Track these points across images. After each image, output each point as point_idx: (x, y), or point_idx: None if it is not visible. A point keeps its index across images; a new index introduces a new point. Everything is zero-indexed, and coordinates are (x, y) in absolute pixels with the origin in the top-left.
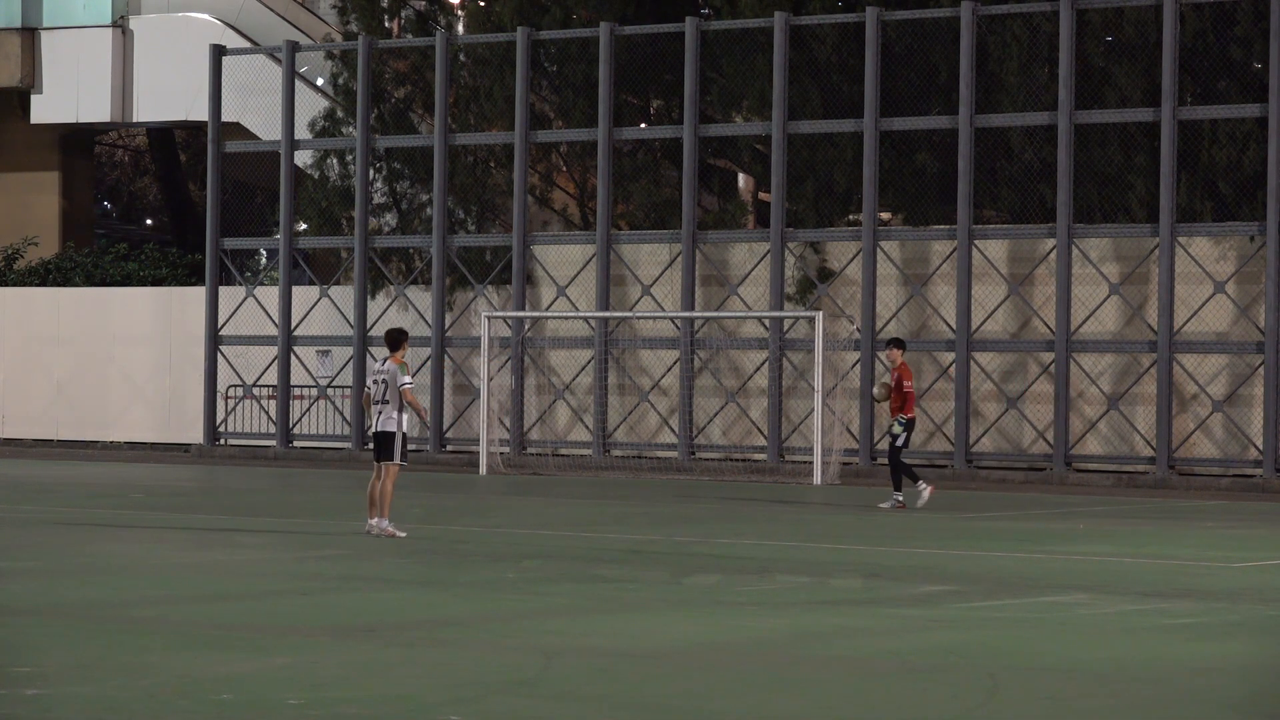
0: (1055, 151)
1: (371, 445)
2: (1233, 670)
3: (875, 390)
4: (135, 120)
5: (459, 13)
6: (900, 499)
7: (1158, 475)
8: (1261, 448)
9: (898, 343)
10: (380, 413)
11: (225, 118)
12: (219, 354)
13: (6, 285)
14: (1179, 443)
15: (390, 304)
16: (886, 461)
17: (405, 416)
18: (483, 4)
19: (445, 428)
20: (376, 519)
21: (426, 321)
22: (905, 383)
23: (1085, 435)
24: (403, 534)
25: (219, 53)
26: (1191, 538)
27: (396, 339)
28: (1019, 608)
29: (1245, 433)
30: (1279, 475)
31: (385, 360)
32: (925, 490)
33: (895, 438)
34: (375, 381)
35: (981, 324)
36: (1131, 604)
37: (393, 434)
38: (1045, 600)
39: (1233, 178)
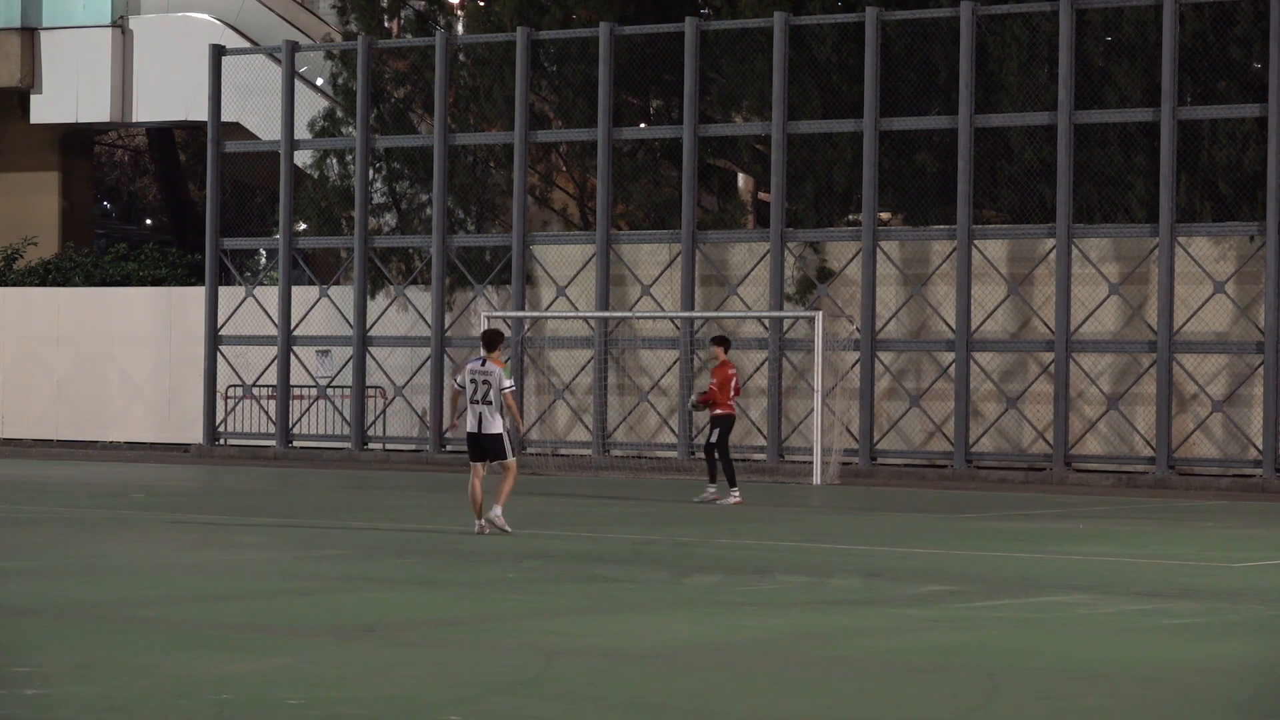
0: (1055, 151)
1: (467, 446)
2: (1233, 670)
3: (692, 400)
4: (135, 120)
5: (458, 13)
6: (738, 495)
7: (1157, 475)
8: (1261, 448)
9: (721, 340)
10: (481, 414)
11: (225, 118)
12: (219, 354)
13: (6, 285)
14: (1179, 443)
15: (390, 304)
16: (713, 456)
17: (506, 417)
18: (482, 4)
19: (444, 428)
20: (495, 506)
21: (426, 321)
22: (714, 380)
23: (1085, 435)
24: (509, 530)
25: (218, 53)
26: (1191, 538)
27: (494, 340)
28: (1019, 608)
29: (1245, 433)
30: (1279, 475)
31: (483, 360)
32: (710, 492)
33: (710, 434)
34: (472, 381)
35: (981, 324)
36: (1131, 604)
37: (500, 435)
38: (1045, 600)
39: (1232, 178)
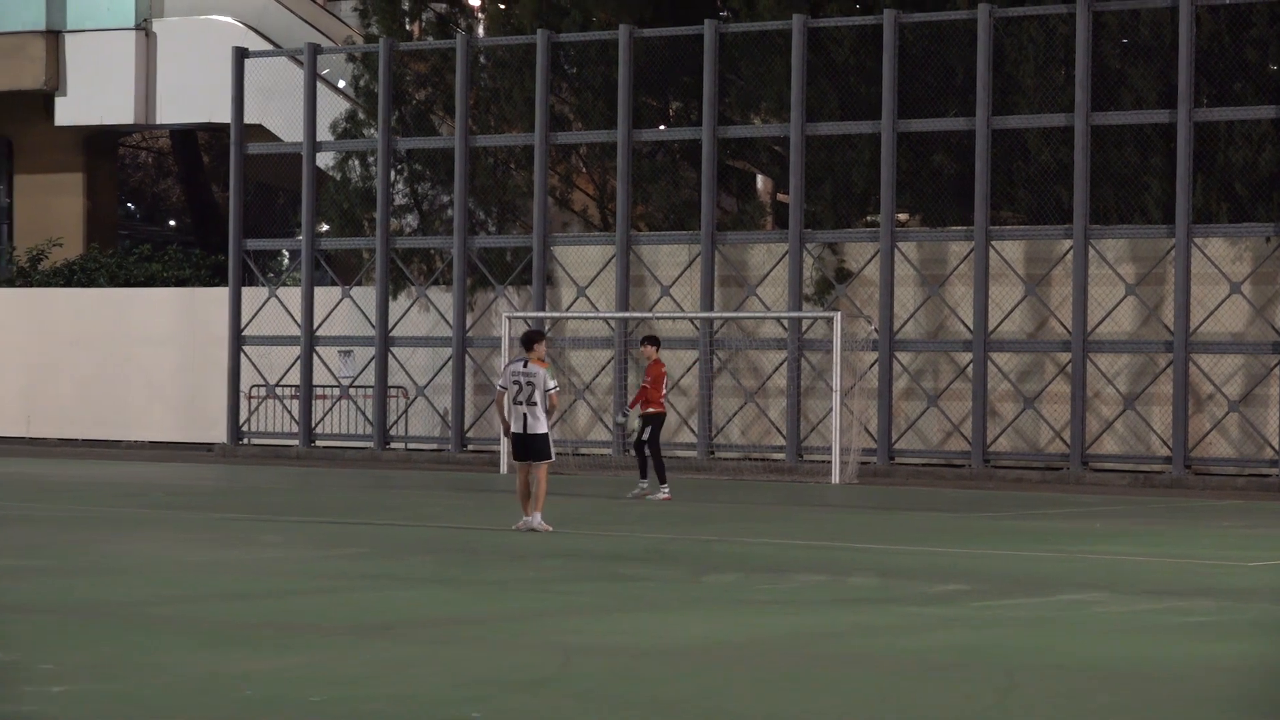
0: (1072, 153)
1: (511, 446)
2: (1248, 669)
3: (622, 418)
4: (158, 122)
5: (479, 15)
6: (667, 492)
7: (1174, 475)
8: (1277, 448)
9: (652, 340)
10: (525, 415)
11: (247, 119)
12: (242, 354)
13: (31, 286)
14: (1195, 442)
15: (411, 304)
16: (643, 453)
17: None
18: (503, 7)
19: (466, 428)
20: (534, 516)
21: (447, 322)
22: (646, 379)
23: (1102, 435)
24: (550, 529)
25: (241, 55)
26: (1207, 537)
27: (532, 339)
28: (1035, 606)
29: (1261, 433)
30: None
31: (524, 361)
32: (642, 487)
33: (641, 432)
34: (515, 382)
35: (999, 324)
36: (1147, 603)
37: (545, 435)
38: (1061, 599)
39: (1248, 179)
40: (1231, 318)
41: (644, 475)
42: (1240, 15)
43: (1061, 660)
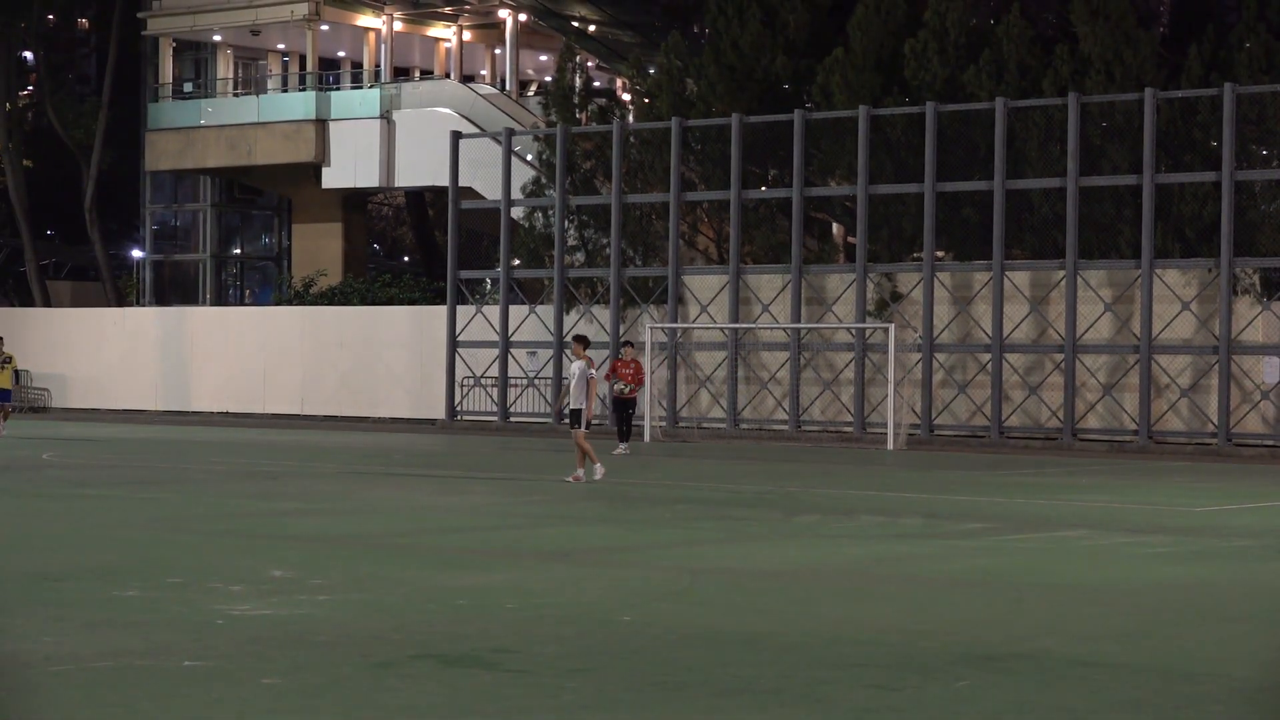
0: (1065, 206)
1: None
2: (1195, 586)
3: (621, 387)
4: (396, 185)
5: (629, 107)
6: (622, 449)
7: (1140, 444)
8: (1216, 423)
9: (629, 344)
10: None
11: (461, 183)
12: (457, 354)
13: (305, 304)
14: (1156, 419)
15: (580, 318)
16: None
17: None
18: (647, 101)
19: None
20: (597, 467)
21: (606, 331)
22: (622, 370)
23: (1087, 414)
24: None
25: (457, 136)
26: (1164, 490)
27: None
28: (1038, 540)
29: (1204, 412)
30: (1229, 444)
31: (575, 360)
32: (620, 449)
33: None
34: (592, 376)
35: (1011, 333)
36: (1120, 537)
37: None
38: (1057, 535)
39: (1195, 226)
40: (1182, 328)
41: (623, 439)
42: (1189, 105)
43: (1058, 580)
